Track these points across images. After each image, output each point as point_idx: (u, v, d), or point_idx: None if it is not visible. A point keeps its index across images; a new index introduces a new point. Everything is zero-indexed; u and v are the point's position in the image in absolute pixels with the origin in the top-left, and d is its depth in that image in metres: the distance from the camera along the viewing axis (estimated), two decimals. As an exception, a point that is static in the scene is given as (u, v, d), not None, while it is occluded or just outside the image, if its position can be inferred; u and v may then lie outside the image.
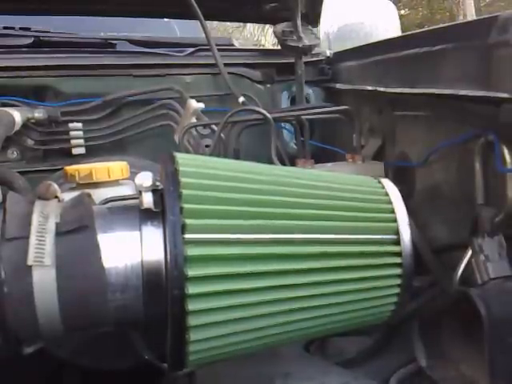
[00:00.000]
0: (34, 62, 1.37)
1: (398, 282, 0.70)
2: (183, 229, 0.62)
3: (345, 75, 1.51)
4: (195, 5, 1.43)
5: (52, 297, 0.62)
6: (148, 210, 0.67)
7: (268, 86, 1.55)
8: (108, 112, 1.40)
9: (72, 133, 1.37)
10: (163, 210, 0.66)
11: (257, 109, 1.10)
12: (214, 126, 1.28)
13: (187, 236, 0.62)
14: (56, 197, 0.69)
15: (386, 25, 2.38)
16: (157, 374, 0.80)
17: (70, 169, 1.02)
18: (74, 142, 1.37)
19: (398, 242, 0.71)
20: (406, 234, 0.71)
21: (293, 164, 1.34)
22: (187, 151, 1.30)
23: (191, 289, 0.61)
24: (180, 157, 0.70)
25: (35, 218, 0.64)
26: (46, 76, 1.37)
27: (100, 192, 0.99)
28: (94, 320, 0.66)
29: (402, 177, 1.15)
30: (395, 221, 0.71)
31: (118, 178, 1.03)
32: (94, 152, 1.39)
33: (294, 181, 0.72)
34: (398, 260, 0.70)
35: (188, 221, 0.62)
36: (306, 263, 0.65)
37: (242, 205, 0.65)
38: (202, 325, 0.62)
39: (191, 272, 0.61)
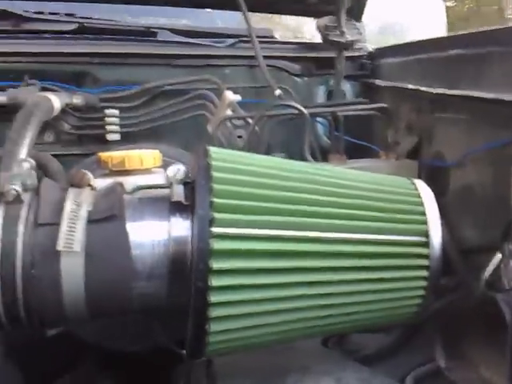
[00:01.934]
0: (74, 48, 1.39)
1: (424, 284, 0.69)
2: (211, 223, 0.62)
3: (385, 71, 1.48)
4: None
5: (78, 282, 0.64)
6: (178, 202, 0.68)
7: (306, 79, 1.54)
8: (145, 100, 1.41)
9: (108, 119, 1.38)
10: (193, 202, 0.66)
11: (293, 104, 1.09)
12: (248, 119, 1.28)
13: (214, 230, 0.62)
14: (89, 185, 0.70)
15: (431, 18, 2.33)
16: (175, 359, 0.80)
17: (104, 155, 1.03)
18: (109, 128, 1.39)
19: (427, 245, 0.69)
20: (435, 237, 0.70)
21: (325, 159, 1.33)
22: (220, 142, 1.30)
23: (215, 281, 0.61)
24: (213, 151, 0.71)
25: (68, 205, 0.65)
26: (85, 63, 1.39)
27: (132, 179, 1.00)
28: (118, 307, 0.67)
29: (436, 176, 1.13)
30: (426, 223, 0.70)
31: (150, 166, 1.04)
32: (128, 139, 1.40)
33: (324, 179, 0.71)
34: (425, 262, 0.69)
35: (216, 215, 0.62)
36: (330, 261, 0.65)
37: (271, 201, 0.65)
38: (223, 317, 0.63)
39: (216, 265, 0.61)
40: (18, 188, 0.66)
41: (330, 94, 1.53)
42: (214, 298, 0.61)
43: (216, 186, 0.65)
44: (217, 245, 0.61)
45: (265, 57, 1.46)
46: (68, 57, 1.38)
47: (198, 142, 1.41)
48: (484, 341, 0.83)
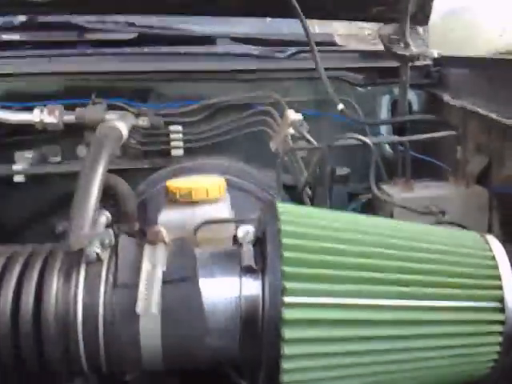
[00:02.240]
0: (138, 66, 1.43)
1: (497, 349, 0.68)
2: (282, 292, 0.63)
3: (452, 82, 1.43)
4: (297, 5, 1.41)
5: (156, 340, 0.66)
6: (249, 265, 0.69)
7: (369, 88, 1.51)
8: (206, 115, 1.43)
9: (172, 135, 1.41)
10: (264, 266, 0.67)
11: (359, 137, 1.07)
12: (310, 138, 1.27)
13: (286, 299, 0.63)
14: (164, 241, 0.72)
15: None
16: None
17: (171, 186, 1.06)
18: (173, 144, 1.42)
19: (502, 310, 0.68)
20: (511, 302, 0.68)
21: (390, 174, 1.31)
22: (284, 164, 1.31)
23: (286, 350, 0.62)
24: (282, 210, 0.71)
25: (144, 267, 0.68)
26: (149, 79, 1.42)
27: (199, 213, 1.02)
28: (192, 361, 0.70)
29: (508, 205, 1.10)
30: (501, 288, 0.69)
31: (216, 196, 1.06)
32: (191, 153, 1.43)
33: (396, 241, 0.71)
34: (499, 328, 0.68)
35: (288, 284, 0.63)
36: (403, 329, 0.65)
37: (343, 269, 0.65)
38: (294, 381, 0.64)
39: (288, 334, 0.62)
40: (99, 250, 0.68)
41: (394, 104, 1.50)
42: (285, 365, 0.62)
43: (286, 254, 0.65)
44: (288, 313, 0.62)
45: (326, 69, 1.44)
46: (132, 75, 1.41)
47: (258, 156, 1.43)
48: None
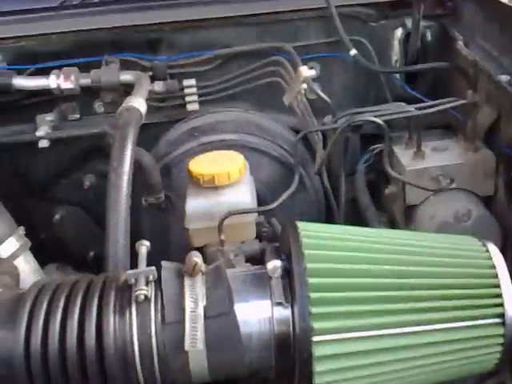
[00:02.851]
0: (147, 18, 1.40)
1: (498, 356, 0.80)
2: (311, 331, 0.73)
3: (466, 18, 1.40)
4: None
5: (203, 368, 0.79)
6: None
7: (382, 22, 1.48)
8: (219, 64, 1.43)
9: (186, 90, 1.43)
10: (292, 299, 0.77)
11: (372, 119, 1.10)
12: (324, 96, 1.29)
13: (314, 339, 0.73)
14: (201, 272, 0.81)
15: None
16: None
17: (195, 172, 1.12)
18: (188, 98, 1.44)
19: (502, 324, 0.78)
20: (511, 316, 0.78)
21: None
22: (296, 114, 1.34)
23: (317, 379, 0.74)
24: (306, 245, 0.78)
25: (187, 305, 0.77)
26: (159, 30, 1.40)
27: (224, 204, 1.09)
28: (234, 377, 0.83)
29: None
30: (502, 305, 0.78)
31: (237, 179, 1.12)
32: (205, 104, 1.46)
33: (399, 248, 0.80)
34: (500, 340, 0.79)
35: (315, 324, 0.73)
36: (416, 351, 0.76)
37: (364, 304, 0.75)
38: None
39: (318, 368, 0.74)
40: (146, 291, 0.78)
41: (407, 37, 1.47)
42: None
43: (313, 295, 0.75)
44: (317, 350, 0.73)
45: (337, 6, 1.41)
46: (142, 27, 1.39)
47: (272, 105, 1.45)
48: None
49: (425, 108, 1.16)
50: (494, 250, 0.84)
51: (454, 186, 1.13)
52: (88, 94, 1.42)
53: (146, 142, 1.29)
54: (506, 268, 0.82)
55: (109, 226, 1.02)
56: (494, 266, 0.82)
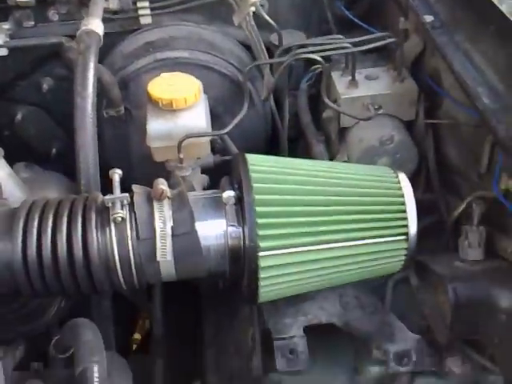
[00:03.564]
0: None
1: (402, 263, 1.04)
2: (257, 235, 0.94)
3: None
4: None
5: (172, 274, 0.99)
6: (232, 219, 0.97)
7: None
8: None
9: (139, 4, 1.49)
10: (243, 218, 0.96)
11: (313, 56, 1.23)
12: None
13: (260, 254, 0.94)
14: (168, 197, 0.98)
15: None
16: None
17: (154, 95, 1.23)
18: (141, 12, 1.50)
19: (406, 240, 1.01)
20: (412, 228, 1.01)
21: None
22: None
23: (262, 283, 0.96)
24: (254, 179, 0.96)
25: (157, 225, 0.95)
26: None
27: (180, 120, 1.22)
28: (195, 276, 1.03)
29: (433, 98, 1.32)
30: (406, 226, 1.01)
31: (193, 102, 1.25)
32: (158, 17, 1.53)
33: (327, 180, 1.02)
34: (404, 252, 1.02)
35: (261, 243, 0.94)
36: (338, 261, 0.99)
37: (300, 216, 0.97)
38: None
39: (262, 275, 0.95)
40: (122, 214, 0.94)
41: None
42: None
43: (259, 209, 0.94)
44: (262, 263, 0.94)
45: None
46: None
47: (224, 18, 1.53)
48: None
49: (361, 43, 1.29)
50: (403, 179, 1.05)
51: (381, 111, 1.31)
52: (42, 4, 1.46)
53: (100, 51, 1.37)
54: (412, 195, 1.03)
55: (78, 146, 1.16)
56: (402, 194, 1.03)
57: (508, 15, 1.14)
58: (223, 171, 1.15)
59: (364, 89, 1.32)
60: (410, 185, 1.05)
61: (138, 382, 1.08)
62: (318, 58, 1.24)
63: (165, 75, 1.30)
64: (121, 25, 1.53)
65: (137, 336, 1.69)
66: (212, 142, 1.30)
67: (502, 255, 1.05)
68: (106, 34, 1.45)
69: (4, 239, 0.95)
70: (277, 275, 0.98)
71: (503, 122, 0.98)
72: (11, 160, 1.34)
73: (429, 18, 1.27)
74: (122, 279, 0.97)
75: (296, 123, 1.48)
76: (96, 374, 0.92)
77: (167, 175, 1.24)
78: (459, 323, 1.01)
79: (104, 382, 0.93)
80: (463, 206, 1.10)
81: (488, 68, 1.12)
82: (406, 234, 1.01)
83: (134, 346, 1.69)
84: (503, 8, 1.17)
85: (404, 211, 1.02)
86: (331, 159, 1.37)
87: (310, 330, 1.12)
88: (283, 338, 1.10)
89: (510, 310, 0.96)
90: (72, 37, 1.39)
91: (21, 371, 1.06)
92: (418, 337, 1.11)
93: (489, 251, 1.07)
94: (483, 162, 1.09)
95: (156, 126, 1.23)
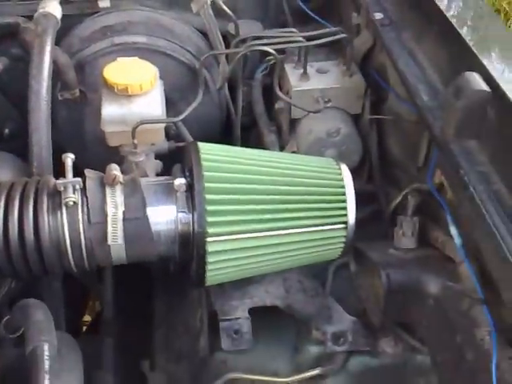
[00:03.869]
0: None
1: (341, 250, 1.10)
2: (206, 234, 0.98)
3: None
4: None
5: (122, 257, 1.02)
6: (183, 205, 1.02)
7: None
8: None
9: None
10: (193, 209, 1.01)
11: (267, 49, 1.27)
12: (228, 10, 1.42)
13: (208, 239, 0.99)
14: (120, 182, 1.01)
15: None
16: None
17: (110, 80, 1.25)
18: (99, -6, 1.51)
19: (345, 228, 1.08)
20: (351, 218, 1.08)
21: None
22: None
23: (210, 266, 1.01)
24: (205, 167, 1.01)
25: (109, 209, 0.98)
26: None
27: (136, 113, 1.25)
28: (146, 260, 1.07)
29: (379, 93, 1.39)
30: (345, 215, 1.07)
31: (149, 89, 1.27)
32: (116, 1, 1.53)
33: (274, 170, 1.07)
34: (343, 239, 1.09)
35: (209, 229, 0.98)
36: (280, 247, 1.05)
37: (245, 204, 1.02)
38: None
39: (210, 259, 1.00)
40: (74, 198, 0.97)
41: None
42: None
43: (208, 197, 0.99)
44: (210, 248, 0.99)
45: None
46: None
47: (182, 4, 1.54)
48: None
49: (314, 37, 1.34)
50: (345, 170, 1.11)
51: (330, 105, 1.36)
52: None
53: (57, 33, 1.37)
54: (352, 186, 1.10)
55: (31, 129, 1.17)
56: (343, 185, 1.09)
57: (449, 18, 1.21)
58: (177, 158, 1.19)
59: (315, 82, 1.38)
60: (350, 176, 1.11)
61: (87, 362, 1.12)
62: (272, 51, 1.28)
63: (121, 60, 1.32)
64: (79, 7, 1.53)
65: (87, 318, 1.71)
66: (166, 129, 1.33)
67: (433, 244, 1.13)
68: (63, 17, 1.46)
69: None
70: (224, 260, 1.03)
71: (439, 120, 1.05)
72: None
73: (378, 16, 1.33)
74: (72, 262, 1.01)
75: (250, 112, 1.52)
76: (46, 353, 0.95)
77: (121, 160, 1.27)
78: (392, 307, 1.09)
79: (54, 360, 0.97)
80: (400, 197, 1.17)
81: (429, 67, 1.19)
82: (346, 222, 1.08)
83: (84, 328, 1.72)
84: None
85: (344, 201, 1.08)
86: (282, 149, 1.42)
87: (254, 312, 1.18)
88: (229, 320, 1.16)
89: (437, 295, 1.04)
90: (29, 17, 1.39)
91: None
92: (354, 319, 1.18)
93: (422, 240, 1.15)
94: (420, 156, 1.17)
95: (110, 110, 1.25)
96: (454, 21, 1.18)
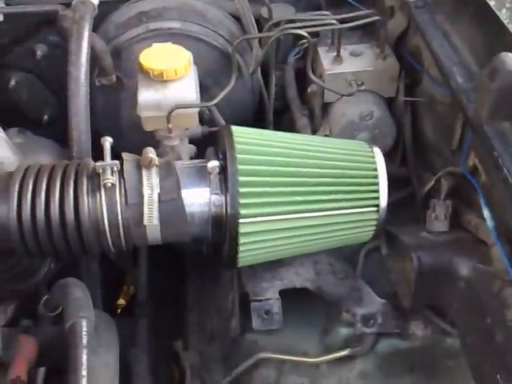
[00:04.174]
0: None
1: (373, 232, 1.11)
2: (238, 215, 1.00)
3: None
4: None
5: (157, 237, 1.05)
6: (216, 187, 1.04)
7: None
8: None
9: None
10: (226, 187, 1.03)
11: (300, 32, 1.27)
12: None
13: (240, 221, 1.01)
14: (156, 165, 1.04)
15: None
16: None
17: (146, 66, 1.28)
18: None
19: (377, 211, 1.08)
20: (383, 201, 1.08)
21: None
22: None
23: (241, 248, 1.03)
24: (238, 150, 1.02)
25: (145, 191, 1.01)
26: None
27: (169, 92, 1.27)
28: (180, 241, 1.10)
29: (413, 75, 1.38)
30: (378, 198, 1.07)
31: (183, 74, 1.29)
32: None
33: (306, 153, 1.08)
34: (374, 222, 1.09)
35: (242, 211, 1.00)
36: (313, 229, 1.07)
37: (279, 186, 1.03)
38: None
39: (242, 240, 1.02)
40: (112, 180, 1.00)
41: None
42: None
43: (241, 179, 1.01)
44: (242, 229, 1.01)
45: None
46: None
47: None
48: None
49: (347, 20, 1.34)
50: (377, 153, 1.12)
51: (363, 88, 1.36)
52: None
53: (94, 20, 1.40)
54: (385, 169, 1.10)
55: (70, 114, 1.21)
56: (375, 168, 1.10)
57: (487, -1, 1.19)
58: (210, 142, 1.21)
59: (348, 65, 1.38)
60: (383, 159, 1.12)
61: (122, 342, 1.16)
62: (305, 34, 1.28)
63: (156, 46, 1.34)
64: None
65: (121, 301, 1.75)
66: (200, 114, 1.35)
67: (466, 228, 1.12)
68: (100, 3, 1.49)
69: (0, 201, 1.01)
70: (255, 241, 1.05)
71: (473, 102, 1.04)
72: (4, 125, 1.39)
73: None
74: (110, 241, 1.04)
75: (283, 97, 1.53)
76: (85, 329, 0.99)
77: (156, 145, 1.29)
78: (422, 289, 1.09)
79: (92, 336, 1.01)
80: (433, 180, 1.17)
81: (464, 48, 1.17)
82: (377, 205, 1.08)
83: (119, 311, 1.77)
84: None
85: (376, 184, 1.09)
86: (314, 133, 1.43)
87: (285, 294, 1.20)
88: (260, 300, 1.18)
89: (469, 277, 1.04)
90: (67, 5, 1.43)
91: (10, 327, 1.14)
92: (384, 301, 1.19)
93: (454, 224, 1.14)
94: (455, 139, 1.16)
95: (146, 95, 1.28)
96: (491, 3, 1.16)
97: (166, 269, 1.67)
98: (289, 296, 1.21)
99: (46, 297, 1.17)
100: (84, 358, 0.93)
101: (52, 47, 1.63)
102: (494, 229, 0.97)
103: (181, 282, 1.58)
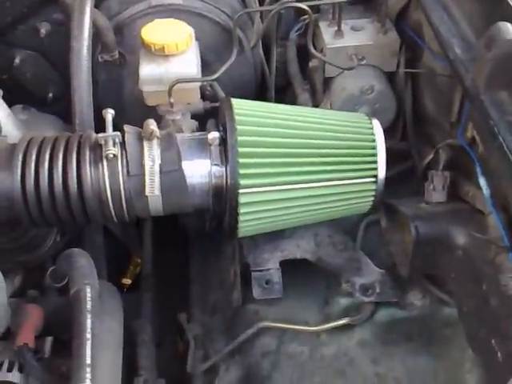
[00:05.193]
0: None
1: (371, 204, 1.12)
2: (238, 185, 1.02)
3: None
4: None
5: (159, 208, 1.07)
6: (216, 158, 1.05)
7: None
8: None
9: None
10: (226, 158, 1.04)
11: (300, 5, 1.27)
12: None
13: (240, 191, 1.02)
14: (157, 137, 1.05)
15: None
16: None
17: (147, 40, 1.29)
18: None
19: (375, 182, 1.09)
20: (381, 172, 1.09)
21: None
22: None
23: (241, 217, 1.05)
24: (238, 121, 1.04)
25: (146, 162, 1.03)
26: None
27: (171, 66, 1.28)
28: (181, 210, 1.12)
29: (414, 49, 1.38)
30: (376, 169, 1.09)
31: (184, 49, 1.30)
32: None
33: (305, 124, 1.10)
34: (373, 193, 1.11)
35: (242, 181, 1.02)
36: (311, 200, 1.08)
37: (277, 157, 1.06)
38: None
39: (242, 210, 1.04)
40: (114, 151, 1.02)
41: None
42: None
43: (241, 150, 1.02)
44: (242, 199, 1.03)
45: None
46: None
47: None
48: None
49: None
50: (376, 125, 1.13)
51: (364, 62, 1.37)
52: None
53: None
54: (383, 140, 1.11)
55: (73, 87, 1.22)
56: (374, 139, 1.11)
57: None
58: (212, 117, 1.22)
59: (349, 39, 1.38)
60: (382, 131, 1.13)
61: (127, 314, 1.18)
62: (306, 8, 1.28)
63: (158, 21, 1.35)
64: None
65: (126, 281, 1.78)
66: (202, 89, 1.36)
67: (463, 198, 1.13)
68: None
69: (4, 172, 1.03)
70: (255, 211, 1.07)
71: (471, 72, 1.04)
72: (9, 103, 1.41)
73: None
74: (113, 212, 1.06)
75: (284, 73, 1.54)
76: (89, 295, 1.02)
77: (158, 120, 1.31)
78: (420, 258, 1.11)
79: (96, 302, 1.03)
80: (433, 153, 1.18)
81: (463, 20, 1.18)
82: (376, 176, 1.10)
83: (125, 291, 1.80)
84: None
85: (375, 155, 1.10)
86: (315, 108, 1.44)
87: (286, 265, 1.22)
88: (260, 270, 1.20)
89: (466, 246, 1.06)
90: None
91: (17, 298, 1.16)
92: (383, 271, 1.21)
93: (453, 195, 1.16)
94: (454, 111, 1.16)
95: (148, 70, 1.29)
96: None
97: (170, 244, 1.70)
98: (290, 268, 1.23)
99: (52, 268, 1.19)
100: (88, 322, 0.96)
101: (56, 25, 1.63)
102: (490, 197, 0.99)
103: (184, 256, 1.61)
